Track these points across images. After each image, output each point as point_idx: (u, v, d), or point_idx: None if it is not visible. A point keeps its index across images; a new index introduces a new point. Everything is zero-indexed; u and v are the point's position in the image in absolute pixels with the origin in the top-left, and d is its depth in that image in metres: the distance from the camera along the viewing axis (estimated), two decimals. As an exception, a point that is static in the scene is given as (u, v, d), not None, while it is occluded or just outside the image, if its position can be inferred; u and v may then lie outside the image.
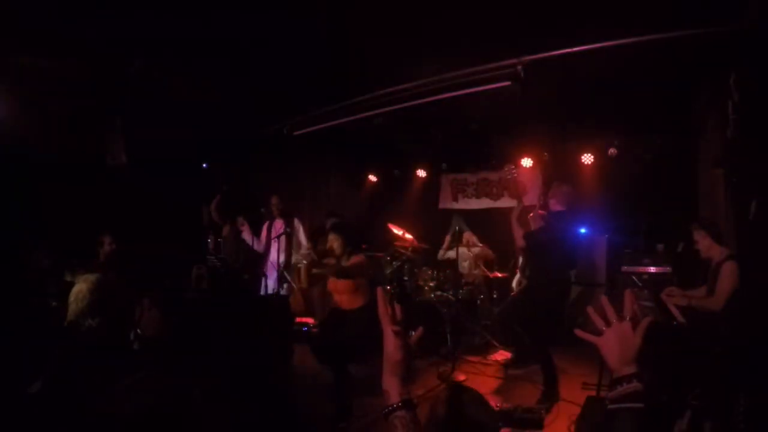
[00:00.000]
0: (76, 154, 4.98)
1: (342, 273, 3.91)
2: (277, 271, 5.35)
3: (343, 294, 4.07)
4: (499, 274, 6.23)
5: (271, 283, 5.47)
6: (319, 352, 4.13)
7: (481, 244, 6.57)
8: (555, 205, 4.24)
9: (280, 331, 4.72)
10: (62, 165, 4.80)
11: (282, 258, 5.47)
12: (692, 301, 3.66)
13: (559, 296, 4.28)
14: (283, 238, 5.49)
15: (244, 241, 5.91)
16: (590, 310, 1.33)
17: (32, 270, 4.09)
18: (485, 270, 6.27)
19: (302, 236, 5.79)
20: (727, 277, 3.35)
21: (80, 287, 2.05)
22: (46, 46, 3.70)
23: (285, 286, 5.42)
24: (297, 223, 5.77)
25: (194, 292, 5.37)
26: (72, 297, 2.04)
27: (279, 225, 5.55)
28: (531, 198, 6.47)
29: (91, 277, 2.09)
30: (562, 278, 4.27)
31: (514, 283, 5.75)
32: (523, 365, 4.89)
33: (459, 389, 1.60)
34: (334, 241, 4.02)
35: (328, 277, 4.11)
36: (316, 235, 6.14)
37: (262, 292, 5.51)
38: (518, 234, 4.15)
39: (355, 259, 4.00)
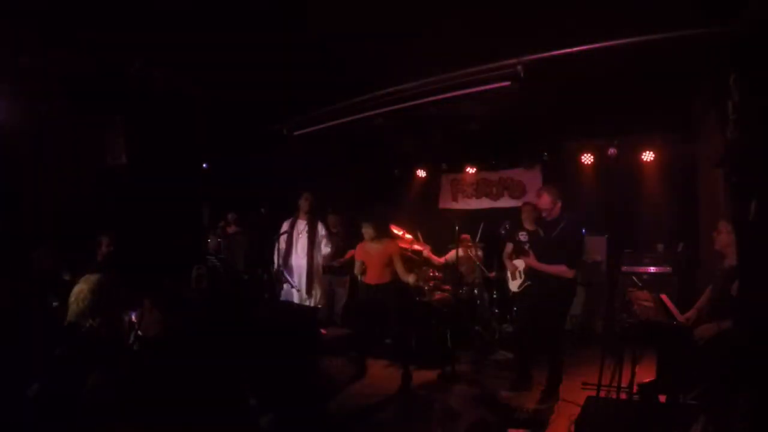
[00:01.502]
0: (76, 154, 4.97)
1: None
2: (276, 271, 5.33)
3: (375, 267, 4.67)
4: (492, 275, 6.23)
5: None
6: (354, 319, 4.96)
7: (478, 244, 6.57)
8: (556, 211, 4.12)
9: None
10: (62, 164, 4.80)
11: (303, 261, 5.43)
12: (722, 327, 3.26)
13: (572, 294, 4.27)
14: (304, 240, 5.44)
15: (243, 241, 5.93)
16: None
17: (34, 270, 4.09)
18: (484, 270, 6.26)
19: (323, 240, 5.69)
20: None
21: (81, 287, 2.05)
22: (46, 46, 3.70)
23: (285, 287, 5.39)
24: (321, 227, 5.68)
25: (194, 292, 5.36)
26: (72, 297, 2.04)
27: (302, 225, 5.50)
28: (531, 198, 6.47)
29: (93, 278, 2.09)
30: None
31: (512, 286, 5.74)
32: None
33: None
34: (366, 230, 4.68)
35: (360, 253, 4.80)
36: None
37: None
38: (554, 269, 4.01)
39: (387, 240, 4.74)
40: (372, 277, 4.73)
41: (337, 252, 6.18)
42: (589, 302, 6.27)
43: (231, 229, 6.45)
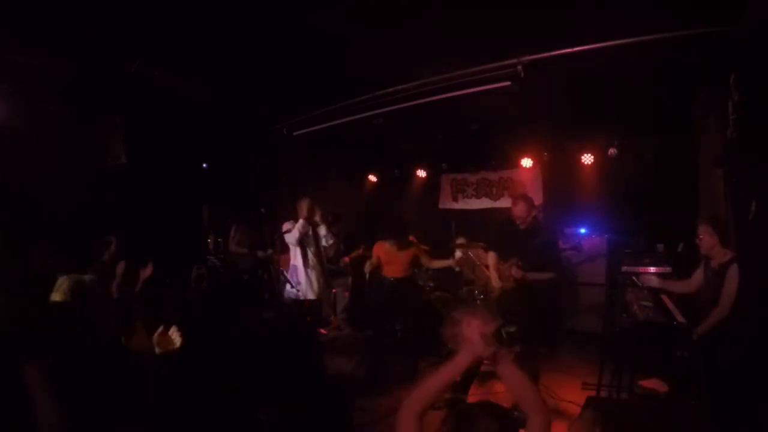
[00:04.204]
0: (76, 154, 4.98)
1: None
2: (292, 274, 5.37)
3: (398, 264, 4.97)
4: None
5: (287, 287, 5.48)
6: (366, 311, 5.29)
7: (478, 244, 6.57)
8: (531, 220, 4.25)
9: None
10: (62, 164, 4.80)
11: (301, 262, 5.44)
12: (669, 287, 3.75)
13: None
14: (308, 242, 5.46)
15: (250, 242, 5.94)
16: None
17: (31, 270, 4.08)
18: (486, 270, 6.27)
19: (325, 236, 5.72)
20: (734, 281, 3.26)
21: (56, 297, 2.00)
22: (45, 46, 3.70)
23: (300, 289, 5.39)
24: (321, 228, 5.71)
25: (194, 292, 5.37)
26: (51, 307, 2.00)
27: (303, 229, 5.51)
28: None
29: (65, 285, 2.03)
30: None
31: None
32: (522, 365, 4.90)
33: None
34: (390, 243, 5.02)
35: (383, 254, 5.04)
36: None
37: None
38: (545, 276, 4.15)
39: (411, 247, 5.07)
40: (396, 272, 4.95)
41: (337, 251, 6.20)
42: (588, 302, 6.28)
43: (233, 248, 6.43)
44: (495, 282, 4.45)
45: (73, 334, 1.97)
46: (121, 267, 4.13)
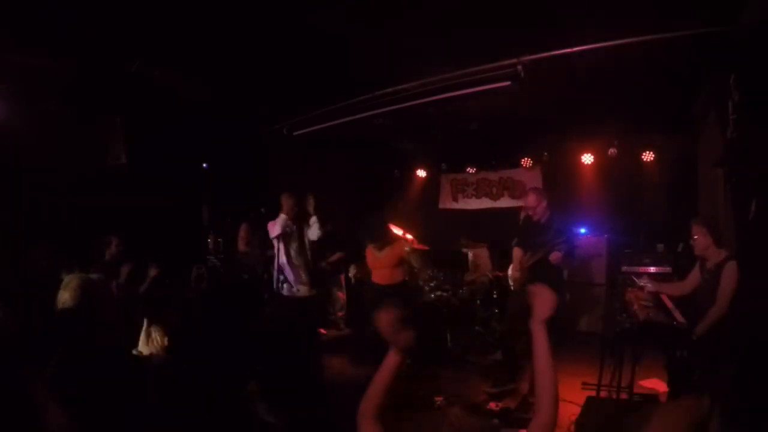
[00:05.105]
0: (76, 154, 4.98)
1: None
2: (277, 271, 5.33)
3: (384, 269, 4.79)
4: (500, 274, 6.23)
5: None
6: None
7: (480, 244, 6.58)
8: (542, 211, 4.29)
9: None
10: (62, 164, 4.80)
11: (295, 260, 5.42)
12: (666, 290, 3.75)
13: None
14: (293, 239, 5.42)
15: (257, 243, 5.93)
16: None
17: (31, 270, 4.09)
18: (485, 270, 6.27)
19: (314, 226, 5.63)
20: (730, 279, 3.26)
21: (63, 296, 1.99)
22: (46, 46, 3.70)
23: (284, 286, 5.37)
24: (311, 220, 5.63)
25: (194, 292, 5.37)
26: (58, 306, 1.99)
27: (288, 225, 5.47)
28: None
29: (73, 283, 2.02)
30: None
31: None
32: (522, 365, 4.90)
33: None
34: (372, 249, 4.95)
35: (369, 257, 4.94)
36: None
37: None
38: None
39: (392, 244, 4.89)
40: (382, 278, 4.86)
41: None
42: (587, 302, 6.28)
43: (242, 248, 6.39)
44: (514, 275, 4.51)
45: (79, 333, 1.96)
46: (126, 269, 4.16)
